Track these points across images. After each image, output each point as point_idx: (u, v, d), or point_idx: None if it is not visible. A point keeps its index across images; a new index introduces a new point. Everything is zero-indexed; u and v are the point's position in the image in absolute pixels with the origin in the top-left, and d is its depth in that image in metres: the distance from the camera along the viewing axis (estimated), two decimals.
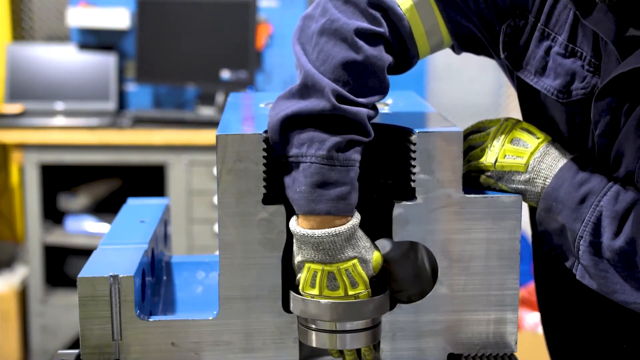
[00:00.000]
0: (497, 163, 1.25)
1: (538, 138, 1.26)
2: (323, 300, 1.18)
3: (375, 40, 1.22)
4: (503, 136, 1.26)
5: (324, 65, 1.19)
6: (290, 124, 1.18)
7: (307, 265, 1.18)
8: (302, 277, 1.20)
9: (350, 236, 1.17)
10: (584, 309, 1.39)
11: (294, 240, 1.20)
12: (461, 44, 1.33)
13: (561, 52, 1.26)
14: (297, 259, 1.20)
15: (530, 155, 1.24)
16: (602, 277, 1.20)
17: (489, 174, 1.26)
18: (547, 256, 1.41)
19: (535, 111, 1.33)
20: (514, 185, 1.25)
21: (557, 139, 1.29)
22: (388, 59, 1.23)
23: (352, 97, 1.18)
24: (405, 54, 1.29)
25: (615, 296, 1.20)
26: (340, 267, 1.17)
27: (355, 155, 1.18)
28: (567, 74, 1.25)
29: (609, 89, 1.19)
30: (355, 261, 1.18)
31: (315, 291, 1.19)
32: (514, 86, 1.38)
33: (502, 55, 1.32)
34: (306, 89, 1.18)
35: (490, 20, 1.30)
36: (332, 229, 1.16)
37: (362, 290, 1.19)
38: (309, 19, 1.25)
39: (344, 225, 1.16)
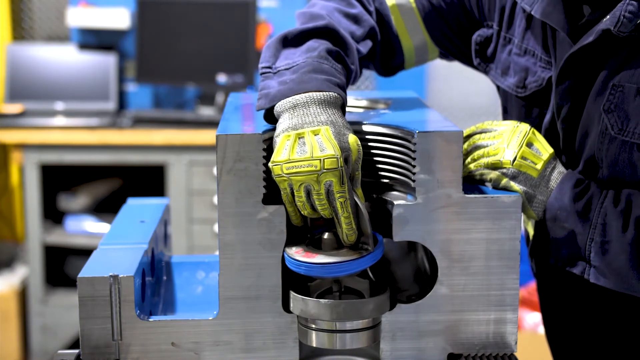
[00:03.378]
0: (515, 162, 1.26)
1: (548, 150, 1.30)
2: (323, 300, 1.18)
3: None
4: (520, 138, 1.29)
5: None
6: (287, 41, 1.28)
7: (282, 137, 1.15)
8: (274, 150, 1.15)
9: (325, 102, 1.18)
10: (588, 322, 1.40)
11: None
12: (435, 39, 1.50)
13: (517, 51, 1.38)
14: (275, 135, 1.17)
15: (543, 164, 1.28)
16: (617, 274, 1.22)
17: (504, 171, 1.27)
18: (550, 272, 1.43)
19: (505, 112, 1.47)
20: (526, 188, 1.26)
21: None
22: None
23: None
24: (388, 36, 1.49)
25: (632, 291, 1.23)
26: (311, 131, 1.14)
27: (343, 69, 1.27)
28: (522, 71, 1.37)
29: (567, 72, 1.28)
30: (326, 127, 1.14)
31: (284, 157, 1.13)
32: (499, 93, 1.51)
33: (475, 62, 1.48)
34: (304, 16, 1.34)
35: (468, 27, 1.49)
36: (309, 93, 1.18)
37: (330, 155, 1.11)
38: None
39: (323, 92, 1.18)
